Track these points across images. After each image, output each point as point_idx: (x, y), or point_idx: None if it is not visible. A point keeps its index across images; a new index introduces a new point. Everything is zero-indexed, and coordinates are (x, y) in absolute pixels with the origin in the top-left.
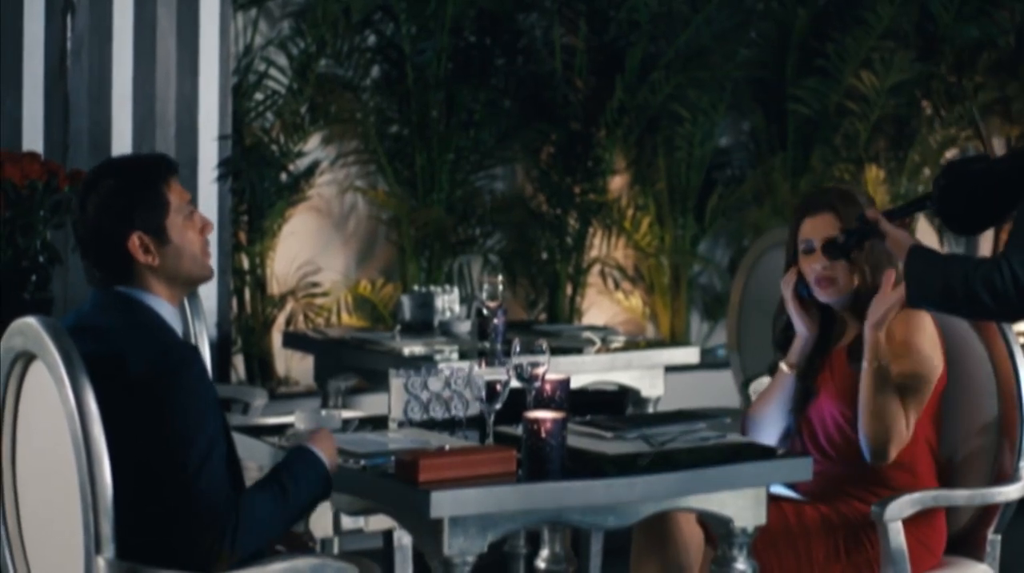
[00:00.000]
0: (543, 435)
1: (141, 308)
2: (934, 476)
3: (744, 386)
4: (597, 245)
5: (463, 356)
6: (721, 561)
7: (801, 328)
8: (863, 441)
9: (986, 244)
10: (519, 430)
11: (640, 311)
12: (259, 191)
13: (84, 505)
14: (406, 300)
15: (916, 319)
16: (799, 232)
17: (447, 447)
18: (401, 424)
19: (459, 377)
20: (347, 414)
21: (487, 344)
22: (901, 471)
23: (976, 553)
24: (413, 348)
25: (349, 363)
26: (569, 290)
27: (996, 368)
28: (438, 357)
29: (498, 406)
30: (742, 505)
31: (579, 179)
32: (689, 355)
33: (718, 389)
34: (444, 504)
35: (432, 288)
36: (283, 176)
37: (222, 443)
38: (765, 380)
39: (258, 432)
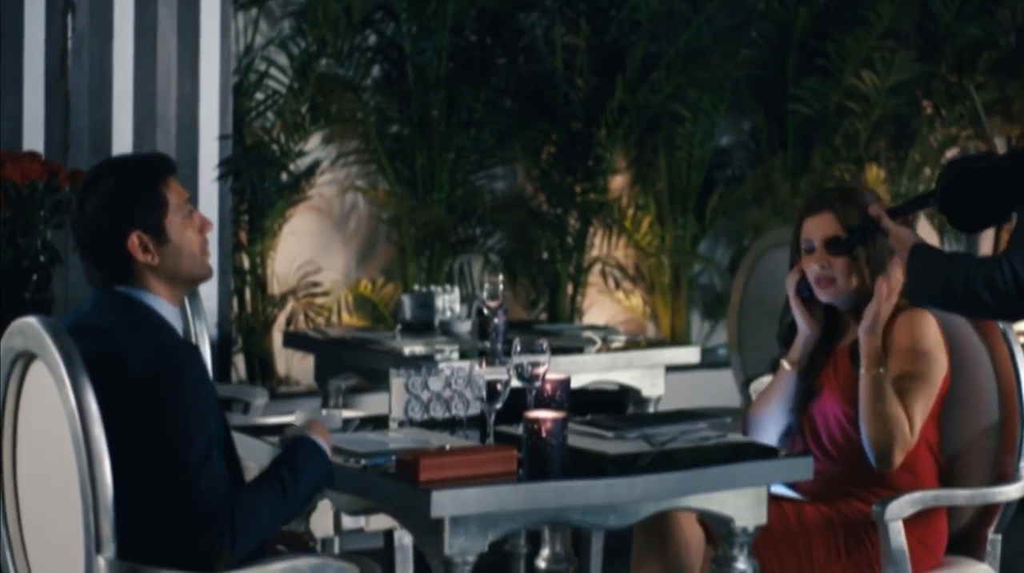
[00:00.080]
0: (544, 435)
1: (141, 308)
2: (935, 476)
3: (745, 386)
4: (598, 245)
5: (464, 356)
6: (721, 561)
7: (803, 326)
8: (867, 448)
9: (987, 243)
10: (520, 430)
11: (641, 311)
12: (260, 191)
13: (84, 505)
14: (407, 300)
15: (921, 320)
16: (801, 231)
17: (448, 447)
18: (402, 424)
19: (460, 377)
20: (348, 414)
21: (488, 344)
22: (902, 471)
23: (977, 553)
24: (414, 348)
25: (350, 363)
26: (570, 290)
27: (997, 368)
28: (439, 357)
29: (499, 406)
30: (743, 505)
31: (580, 179)
32: (690, 355)
33: (719, 389)
34: (445, 504)
35: (433, 288)
36: (284, 176)
37: (222, 443)
38: (765, 380)
39: (258, 432)
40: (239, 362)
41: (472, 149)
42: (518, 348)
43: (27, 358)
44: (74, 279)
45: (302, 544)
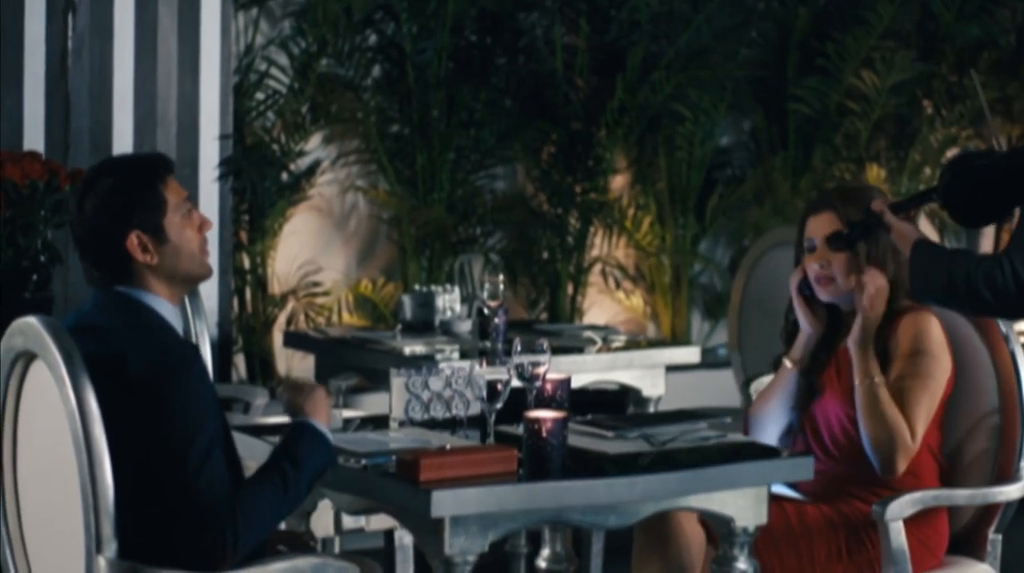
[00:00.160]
0: (544, 434)
1: (141, 308)
2: (936, 477)
3: (745, 385)
4: (598, 244)
5: (464, 355)
6: (722, 561)
7: (805, 325)
8: (870, 456)
9: (987, 242)
10: (520, 429)
11: (641, 310)
12: (260, 190)
13: (85, 505)
14: (407, 299)
15: (924, 322)
16: (804, 231)
17: (448, 446)
18: (402, 423)
19: (460, 376)
20: (348, 413)
21: (488, 343)
22: (903, 473)
23: (977, 553)
24: (414, 347)
25: (350, 362)
26: (570, 289)
27: (997, 368)
28: (439, 356)
29: (499, 405)
30: (743, 505)
31: (580, 178)
32: (690, 354)
33: (719, 389)
34: (445, 503)
35: (433, 287)
36: (284, 175)
37: (222, 442)
38: (766, 380)
39: (259, 431)
40: (239, 362)
41: (472, 149)
42: (518, 348)
43: (27, 358)
44: (74, 279)
45: (302, 544)
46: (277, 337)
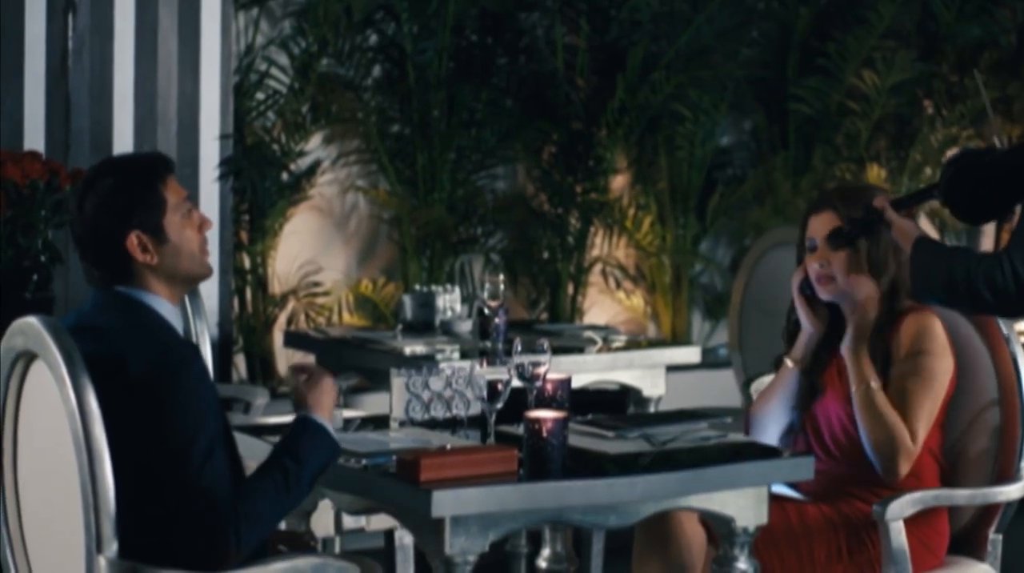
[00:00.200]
0: (544, 434)
1: (141, 308)
2: (936, 478)
3: (745, 385)
4: (598, 244)
5: (464, 355)
6: (722, 561)
7: (806, 324)
8: (872, 460)
9: (988, 241)
10: (520, 429)
11: (641, 310)
12: (260, 190)
13: (85, 504)
14: (407, 299)
15: (927, 323)
16: (806, 230)
17: (448, 446)
18: (402, 423)
19: (460, 376)
20: (348, 413)
21: (488, 343)
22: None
23: (977, 553)
24: (414, 347)
25: (350, 362)
26: (570, 289)
27: (998, 368)
28: (439, 356)
29: (499, 405)
30: (743, 505)
31: (580, 178)
32: (690, 355)
33: (719, 389)
34: (445, 503)
35: (433, 287)
36: (284, 175)
37: (223, 442)
38: (766, 379)
39: (259, 431)
40: (240, 362)
41: (473, 149)
42: (519, 348)
43: (28, 358)
44: (75, 279)
45: (303, 544)
46: (277, 337)
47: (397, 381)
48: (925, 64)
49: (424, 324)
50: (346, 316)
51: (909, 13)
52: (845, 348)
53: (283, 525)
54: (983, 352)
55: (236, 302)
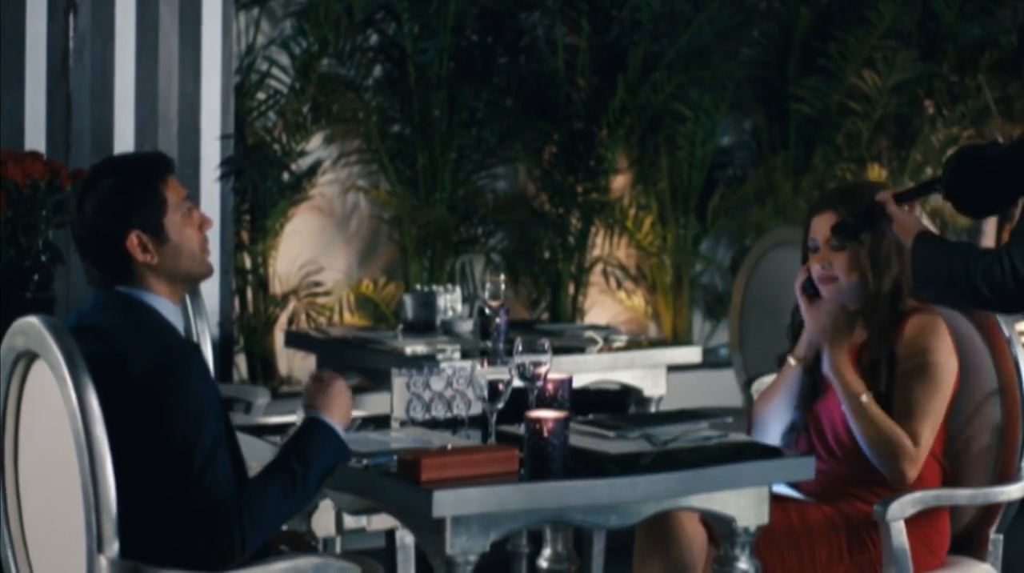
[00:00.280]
0: (545, 434)
1: (142, 308)
2: (938, 479)
3: (746, 385)
4: (599, 244)
5: (465, 355)
6: (723, 560)
7: (808, 322)
8: (879, 469)
9: (988, 242)
10: (521, 429)
11: (642, 310)
12: (261, 190)
13: (86, 504)
14: (408, 299)
15: (931, 324)
16: (808, 231)
17: (449, 446)
18: (403, 423)
19: (461, 376)
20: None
21: (489, 343)
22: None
23: (978, 553)
24: (415, 347)
25: (351, 362)
26: (571, 289)
27: (999, 368)
28: (440, 356)
29: (500, 405)
30: (744, 504)
31: (581, 178)
32: (691, 354)
33: (720, 388)
34: (446, 503)
35: (434, 287)
36: (285, 175)
37: (226, 442)
38: (767, 379)
39: (260, 431)
40: (241, 362)
41: (474, 149)
42: (520, 348)
43: (29, 358)
44: (76, 279)
45: (304, 544)
46: (278, 337)
47: (398, 381)
48: (926, 64)
49: (425, 324)
50: (347, 316)
51: (910, 13)
52: (826, 370)
53: (284, 525)
54: (984, 352)
55: (237, 302)
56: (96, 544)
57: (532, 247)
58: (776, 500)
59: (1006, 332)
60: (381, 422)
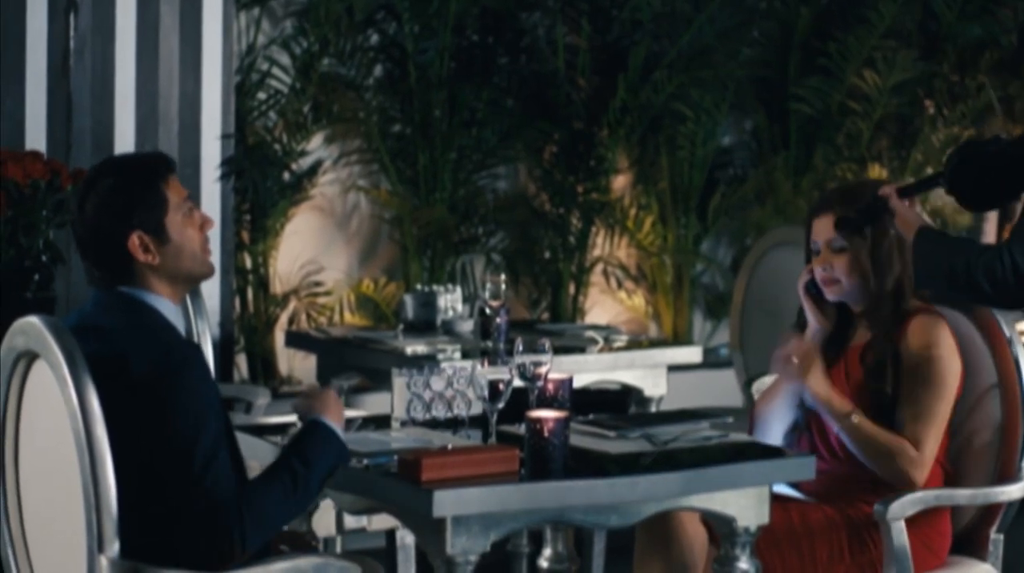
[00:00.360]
0: (546, 434)
1: (143, 308)
2: (939, 479)
3: (747, 385)
4: (600, 244)
5: (466, 355)
6: (724, 560)
7: (812, 321)
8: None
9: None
10: (522, 429)
11: (643, 310)
12: (262, 190)
13: (87, 504)
14: (409, 299)
15: (934, 326)
16: (810, 232)
17: (450, 446)
18: (404, 423)
19: (462, 376)
20: (350, 413)
21: (490, 343)
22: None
23: (979, 552)
24: (416, 347)
25: (352, 362)
26: (572, 289)
27: (999, 368)
28: (441, 356)
29: (501, 405)
30: (745, 504)
31: (582, 178)
32: (692, 354)
33: (721, 388)
34: (447, 503)
35: (435, 287)
36: (286, 175)
37: (226, 442)
38: (767, 379)
39: (261, 431)
40: (241, 362)
41: (474, 149)
42: (520, 348)
43: (29, 358)
44: (76, 279)
45: (304, 544)
46: (279, 337)
47: (398, 381)
48: (926, 64)
49: (425, 324)
50: (347, 316)
51: (910, 13)
52: (814, 402)
53: (285, 525)
54: (984, 351)
55: (237, 302)
56: (96, 544)
57: (532, 247)
58: (777, 500)
59: (1007, 332)
60: (382, 422)
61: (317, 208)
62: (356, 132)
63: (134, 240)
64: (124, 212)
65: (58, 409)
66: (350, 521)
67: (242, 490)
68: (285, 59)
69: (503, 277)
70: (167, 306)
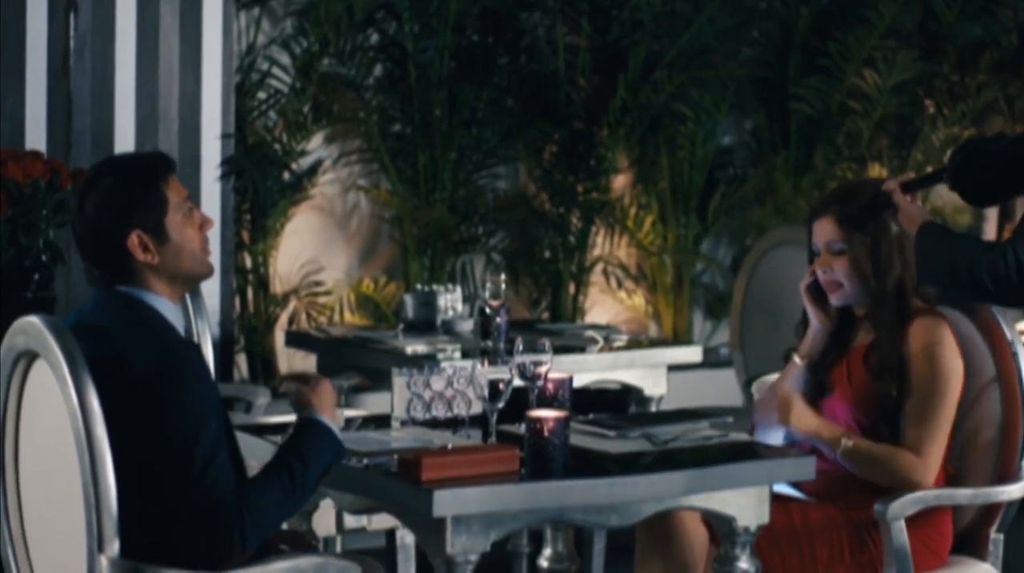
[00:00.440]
0: (546, 434)
1: (142, 307)
2: (942, 480)
3: (747, 385)
4: (600, 244)
5: (466, 355)
6: (724, 560)
7: (814, 320)
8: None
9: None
10: (522, 429)
11: (643, 310)
12: (262, 190)
13: (87, 504)
14: (409, 299)
15: (936, 328)
16: (811, 234)
17: (450, 446)
18: (404, 423)
19: (462, 376)
20: (350, 413)
21: (490, 343)
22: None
23: (979, 552)
24: (416, 347)
25: (352, 362)
26: (572, 289)
27: (999, 367)
28: (441, 356)
29: (501, 405)
30: (745, 504)
31: (582, 178)
32: (692, 354)
33: (721, 388)
34: (447, 503)
35: (435, 287)
36: (286, 175)
37: (226, 441)
38: (768, 379)
39: (261, 431)
40: (241, 361)
41: (474, 148)
42: (520, 347)
43: (29, 357)
44: (76, 278)
45: (304, 543)
46: (279, 336)
47: (398, 380)
48: (926, 64)
49: (425, 323)
50: (347, 315)
51: (910, 13)
52: (801, 439)
53: (285, 524)
54: (984, 351)
55: (237, 301)
56: (96, 543)
57: (533, 247)
58: (777, 500)
59: (1007, 331)
60: (381, 422)
61: (317, 208)
62: (356, 132)
63: (133, 239)
64: (124, 211)
65: (58, 409)
66: (350, 521)
67: (242, 490)
68: (285, 59)
69: (503, 277)
70: (166, 306)
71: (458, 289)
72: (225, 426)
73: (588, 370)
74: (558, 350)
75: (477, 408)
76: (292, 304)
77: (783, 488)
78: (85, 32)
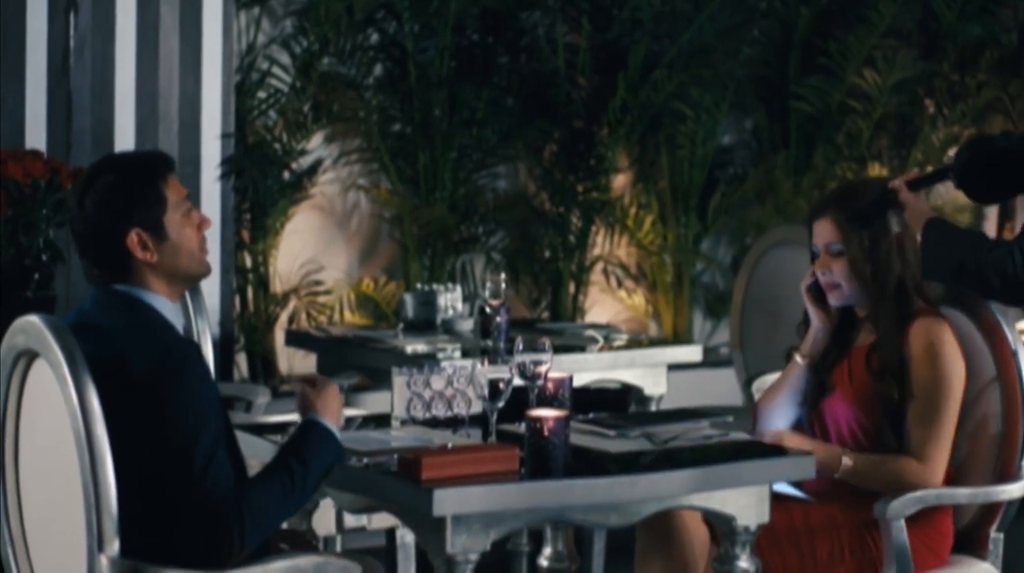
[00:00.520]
0: (546, 433)
1: (142, 306)
2: (944, 483)
3: (747, 384)
4: (600, 243)
5: (466, 354)
6: (724, 559)
7: (815, 320)
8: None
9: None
10: (522, 428)
11: (643, 309)
12: (262, 189)
13: (87, 503)
14: (409, 298)
15: (937, 329)
16: (811, 234)
17: (450, 445)
18: (404, 422)
19: (462, 375)
20: (350, 412)
21: (490, 342)
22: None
23: (979, 551)
24: (416, 346)
25: (352, 361)
26: (572, 288)
27: (1000, 367)
28: (441, 355)
29: (501, 404)
30: (745, 503)
31: (582, 177)
32: (692, 353)
33: (721, 387)
34: (447, 502)
35: (435, 286)
36: (286, 174)
37: (226, 441)
38: (768, 378)
39: (261, 430)
40: (241, 361)
41: (474, 148)
42: (520, 347)
43: (29, 357)
44: (76, 278)
45: (304, 542)
46: (279, 336)
47: (398, 380)
48: (926, 63)
49: (425, 323)
50: (347, 315)
51: (910, 12)
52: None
53: (284, 524)
54: (985, 351)
55: (237, 301)
56: (96, 543)
57: (533, 246)
58: (777, 499)
59: (1008, 332)
60: (381, 421)
61: (317, 207)
62: (356, 131)
63: (132, 238)
64: (123, 209)
65: (58, 408)
66: (350, 520)
67: (242, 490)
68: (285, 58)
69: (503, 276)
70: (165, 304)
71: (458, 288)
72: (225, 426)
73: (588, 369)
74: (558, 349)
75: (477, 407)
76: (292, 303)
77: (783, 487)
78: (85, 32)
